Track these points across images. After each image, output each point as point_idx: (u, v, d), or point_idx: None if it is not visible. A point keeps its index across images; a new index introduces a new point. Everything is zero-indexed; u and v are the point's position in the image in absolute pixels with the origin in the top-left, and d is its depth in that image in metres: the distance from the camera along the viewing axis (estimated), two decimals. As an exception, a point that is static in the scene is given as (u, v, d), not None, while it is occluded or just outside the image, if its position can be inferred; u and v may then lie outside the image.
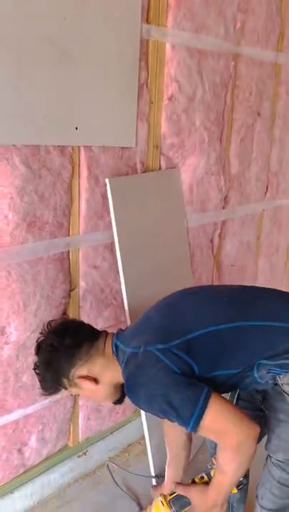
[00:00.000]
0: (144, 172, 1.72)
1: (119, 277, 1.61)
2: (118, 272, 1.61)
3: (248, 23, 1.97)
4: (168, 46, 1.66)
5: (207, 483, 1.14)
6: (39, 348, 1.20)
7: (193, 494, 1.12)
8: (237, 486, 1.13)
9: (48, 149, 1.38)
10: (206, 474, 1.18)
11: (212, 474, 1.13)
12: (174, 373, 1.00)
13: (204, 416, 0.96)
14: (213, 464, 1.14)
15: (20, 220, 1.35)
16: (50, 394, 1.21)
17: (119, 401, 1.25)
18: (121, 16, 1.45)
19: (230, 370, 1.07)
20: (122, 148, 1.61)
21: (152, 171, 1.75)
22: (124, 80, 1.53)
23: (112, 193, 1.54)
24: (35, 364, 1.21)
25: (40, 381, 1.20)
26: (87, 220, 1.56)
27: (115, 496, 1.73)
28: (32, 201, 1.37)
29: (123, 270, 1.59)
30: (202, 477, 1.18)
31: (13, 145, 1.28)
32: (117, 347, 1.18)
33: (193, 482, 1.18)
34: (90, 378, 1.16)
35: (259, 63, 2.11)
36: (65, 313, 1.58)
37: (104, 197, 1.57)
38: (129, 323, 1.63)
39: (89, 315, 1.67)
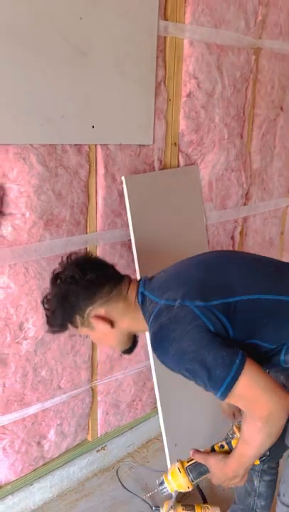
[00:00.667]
0: (161, 169, 1.71)
1: (136, 274, 1.62)
2: (136, 270, 1.62)
3: (269, 16, 1.93)
4: (186, 42, 1.64)
5: (227, 452, 1.08)
6: (56, 279, 1.11)
7: (212, 463, 1.07)
8: (260, 458, 1.08)
9: (64, 148, 1.40)
10: (227, 443, 1.12)
11: (233, 444, 1.09)
12: (210, 332, 0.94)
13: (238, 381, 0.89)
14: (235, 433, 1.11)
15: (38, 218, 1.37)
16: (56, 331, 1.14)
17: (128, 351, 1.19)
18: (137, 13, 1.45)
19: (264, 343, 1.00)
20: (140, 145, 1.61)
21: (170, 166, 1.75)
22: (141, 77, 1.53)
23: (128, 191, 1.55)
24: (46, 297, 1.13)
25: (48, 316, 1.12)
26: (105, 218, 1.57)
27: (133, 490, 1.74)
28: (49, 199, 1.39)
29: (139, 268, 1.60)
30: (222, 446, 1.12)
31: (30, 144, 1.31)
32: (143, 296, 1.09)
33: (213, 450, 1.12)
34: (106, 320, 1.08)
35: (282, 56, 2.07)
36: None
37: (122, 195, 1.58)
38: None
39: (107, 312, 1.68)
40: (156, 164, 1.69)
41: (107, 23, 1.38)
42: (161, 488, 1.18)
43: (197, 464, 1.13)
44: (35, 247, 1.39)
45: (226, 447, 1.11)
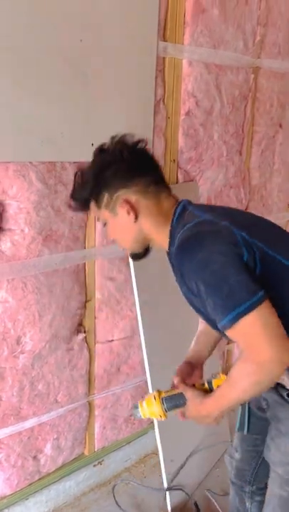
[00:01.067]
0: (160, 186, 1.74)
1: (133, 290, 1.63)
2: (133, 285, 1.64)
3: (268, 36, 1.97)
4: (185, 63, 1.68)
5: (206, 391, 1.08)
6: (101, 151, 1.07)
7: (190, 396, 1.06)
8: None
9: (63, 165, 1.42)
10: (208, 382, 1.10)
11: (214, 384, 1.08)
12: (243, 262, 0.88)
13: (251, 313, 0.82)
14: (218, 374, 1.10)
15: (36, 233, 1.40)
16: (77, 208, 1.08)
17: (137, 256, 1.13)
18: (137, 34, 1.49)
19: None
20: (139, 162, 1.64)
21: (169, 183, 1.76)
22: (140, 96, 1.57)
23: (126, 207, 1.57)
24: (80, 170, 1.08)
25: (75, 188, 1.07)
26: (103, 233, 1.59)
27: (129, 507, 1.73)
28: (48, 215, 1.41)
29: (137, 283, 1.61)
30: (202, 384, 1.11)
31: (30, 162, 1.34)
32: (184, 208, 1.03)
33: (193, 386, 1.11)
34: (133, 209, 1.01)
35: (281, 75, 2.10)
36: (80, 324, 1.62)
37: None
38: (143, 335, 1.65)
39: (104, 326, 1.70)
40: (155, 181, 1.71)
41: (107, 44, 1.42)
42: (134, 412, 1.15)
43: (174, 396, 1.11)
44: (33, 262, 1.41)
45: (206, 386, 1.10)
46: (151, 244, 1.10)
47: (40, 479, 1.67)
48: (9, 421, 1.48)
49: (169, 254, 1.07)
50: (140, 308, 1.64)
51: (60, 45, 1.31)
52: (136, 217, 1.02)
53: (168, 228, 1.03)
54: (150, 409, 1.12)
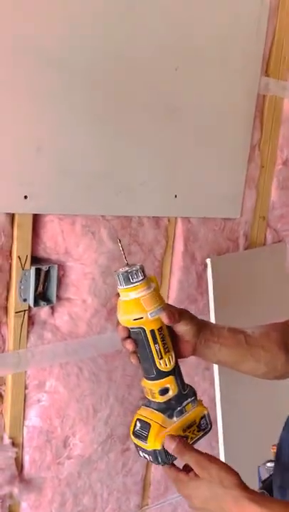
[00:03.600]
0: (246, 247, 1.42)
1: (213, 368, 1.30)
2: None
3: None
4: (286, 102, 1.39)
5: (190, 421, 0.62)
6: None
7: (197, 468, 0.56)
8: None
9: (141, 221, 1.13)
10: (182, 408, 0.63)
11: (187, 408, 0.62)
12: None
13: None
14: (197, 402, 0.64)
15: (101, 305, 1.09)
16: None
17: None
18: (239, 67, 1.22)
19: None
20: (225, 219, 1.34)
21: (256, 244, 1.45)
22: (234, 140, 1.28)
23: (212, 274, 1.26)
24: None
25: None
26: (178, 304, 1.27)
27: None
28: (115, 284, 1.11)
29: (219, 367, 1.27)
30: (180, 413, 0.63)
31: (102, 216, 1.05)
32: None
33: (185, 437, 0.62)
34: None
35: None
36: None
37: (201, 278, 1.29)
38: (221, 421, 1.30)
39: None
40: (242, 241, 1.40)
41: (204, 76, 1.15)
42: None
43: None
44: (94, 340, 1.10)
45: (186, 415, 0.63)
46: None
47: None
48: None
49: None
50: (220, 391, 1.29)
51: (150, 76, 1.05)
52: None
53: None
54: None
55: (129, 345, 0.62)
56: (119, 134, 1.02)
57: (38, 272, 0.98)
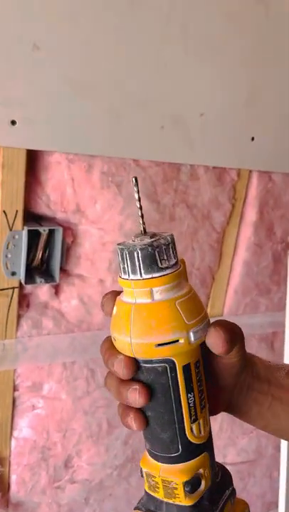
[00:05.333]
0: None
1: None
2: None
3: None
4: None
5: None
6: None
7: None
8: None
9: (194, 172, 0.77)
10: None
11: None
12: None
13: None
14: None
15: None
16: None
17: None
18: None
19: None
20: None
21: None
22: None
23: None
24: None
25: None
26: (241, 295, 0.92)
27: None
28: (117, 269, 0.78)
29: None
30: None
31: (133, 160, 0.71)
32: None
33: None
34: None
35: None
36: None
37: (278, 260, 0.92)
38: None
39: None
40: None
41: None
42: None
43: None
44: (106, 332, 0.79)
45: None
46: None
47: None
48: None
49: None
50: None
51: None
52: None
53: None
54: None
55: (141, 397, 0.28)
56: (167, 35, 0.66)
57: (34, 235, 0.68)
